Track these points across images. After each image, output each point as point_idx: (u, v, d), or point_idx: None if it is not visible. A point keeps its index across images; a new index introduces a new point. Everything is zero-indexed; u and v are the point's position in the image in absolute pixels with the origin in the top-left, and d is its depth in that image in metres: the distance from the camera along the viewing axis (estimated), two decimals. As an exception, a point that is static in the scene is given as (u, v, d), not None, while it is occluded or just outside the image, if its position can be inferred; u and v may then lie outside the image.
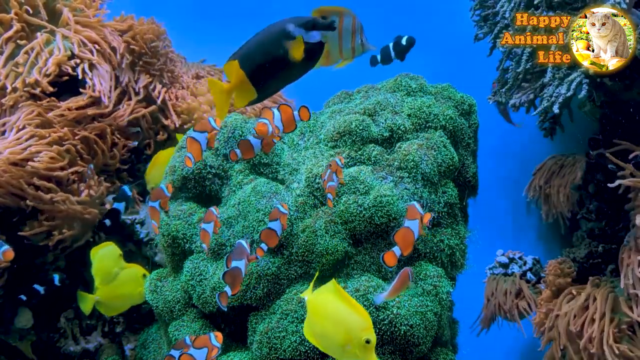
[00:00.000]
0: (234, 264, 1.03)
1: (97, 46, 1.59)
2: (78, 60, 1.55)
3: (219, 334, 1.04)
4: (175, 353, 1.06)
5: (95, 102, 1.58)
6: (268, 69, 1.02)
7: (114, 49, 1.62)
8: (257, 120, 1.14)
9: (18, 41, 1.56)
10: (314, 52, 1.03)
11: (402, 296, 1.14)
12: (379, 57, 1.53)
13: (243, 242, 1.05)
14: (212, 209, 1.14)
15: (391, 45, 1.52)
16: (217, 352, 1.03)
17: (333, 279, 0.98)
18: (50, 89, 1.53)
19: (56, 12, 1.63)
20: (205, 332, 1.20)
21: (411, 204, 1.04)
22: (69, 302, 1.57)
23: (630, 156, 1.32)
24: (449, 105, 1.38)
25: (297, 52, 1.02)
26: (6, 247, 1.18)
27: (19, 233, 1.42)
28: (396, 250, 0.99)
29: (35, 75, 1.50)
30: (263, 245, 1.09)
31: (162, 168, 1.39)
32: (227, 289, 1.02)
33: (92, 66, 1.57)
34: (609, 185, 1.31)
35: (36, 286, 1.42)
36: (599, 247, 1.48)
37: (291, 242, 1.18)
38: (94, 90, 1.54)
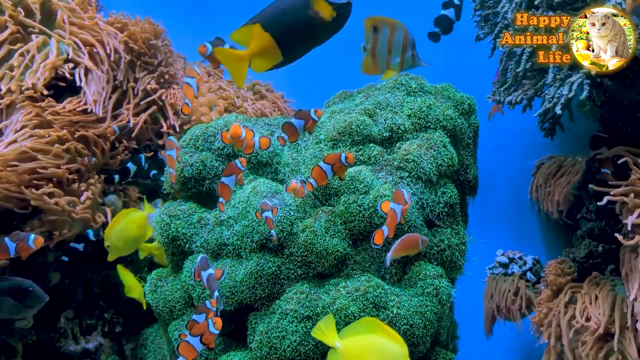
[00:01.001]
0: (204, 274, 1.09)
1: (94, 49, 1.58)
2: (72, 65, 1.55)
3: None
4: (198, 317, 1.09)
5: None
6: (295, 30, 1.00)
7: (111, 50, 1.61)
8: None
9: (11, 45, 1.56)
10: (342, 13, 1.02)
11: (402, 296, 1.14)
12: (439, 31, 1.50)
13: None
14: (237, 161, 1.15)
15: (444, 12, 1.49)
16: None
17: (368, 318, 1.02)
18: (46, 92, 1.53)
19: (52, 13, 1.63)
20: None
21: (400, 189, 1.09)
22: (69, 302, 1.57)
23: (620, 160, 1.32)
24: (449, 105, 1.38)
25: (325, 12, 1.01)
26: (34, 235, 1.19)
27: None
28: (385, 229, 1.07)
29: (28, 81, 1.50)
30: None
31: (122, 228, 1.41)
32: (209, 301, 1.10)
33: (87, 71, 1.57)
34: (598, 203, 1.32)
35: (74, 244, 1.42)
36: (599, 247, 1.48)
37: (291, 241, 1.18)
38: (87, 102, 1.54)
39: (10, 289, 1.15)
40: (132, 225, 1.40)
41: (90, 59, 1.58)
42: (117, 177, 1.55)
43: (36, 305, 1.24)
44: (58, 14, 1.62)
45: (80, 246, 1.45)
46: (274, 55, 1.02)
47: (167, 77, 1.73)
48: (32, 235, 1.19)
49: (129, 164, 1.56)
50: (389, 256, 1.12)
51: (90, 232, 1.47)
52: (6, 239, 1.18)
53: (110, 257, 1.43)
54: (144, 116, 1.64)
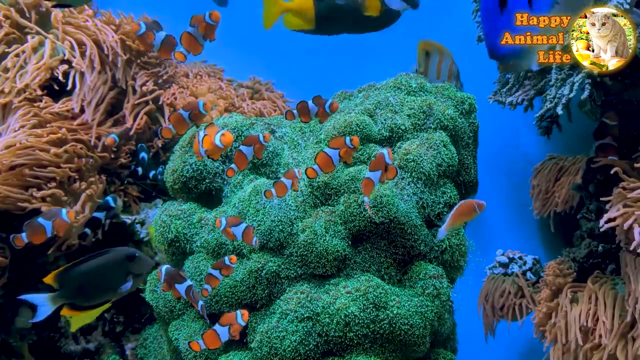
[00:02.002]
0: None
1: (88, 49, 1.57)
2: (66, 66, 1.55)
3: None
4: (214, 272, 1.11)
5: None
6: (337, 9, 1.02)
7: (108, 49, 1.60)
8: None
9: (6, 46, 1.56)
10: (388, 17, 1.03)
11: (402, 296, 1.14)
12: None
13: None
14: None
15: None
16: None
17: None
18: (40, 92, 1.52)
19: (48, 14, 1.63)
20: (205, 331, 1.21)
21: (381, 152, 1.08)
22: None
23: (612, 171, 1.32)
24: (449, 105, 1.38)
25: (373, 8, 1.02)
26: (65, 209, 1.20)
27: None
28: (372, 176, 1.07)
29: (18, 83, 1.50)
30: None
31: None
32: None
33: (81, 74, 1.56)
34: (599, 228, 1.32)
35: (96, 214, 1.41)
36: (599, 247, 1.48)
37: (291, 241, 1.18)
38: (83, 111, 1.54)
39: (118, 259, 1.14)
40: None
41: (88, 59, 1.58)
42: (88, 230, 1.50)
43: (144, 273, 1.22)
44: (52, 15, 1.61)
45: (102, 215, 1.43)
46: (307, 20, 1.04)
47: (165, 77, 1.73)
48: (64, 210, 1.18)
49: (96, 214, 1.51)
50: (444, 228, 1.09)
51: (110, 199, 1.45)
52: (40, 219, 1.16)
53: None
54: (142, 116, 1.64)
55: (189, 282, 1.11)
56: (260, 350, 1.12)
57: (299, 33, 1.46)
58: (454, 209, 1.10)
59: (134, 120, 1.62)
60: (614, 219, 1.24)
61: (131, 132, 1.62)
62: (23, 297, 1.15)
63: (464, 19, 1.68)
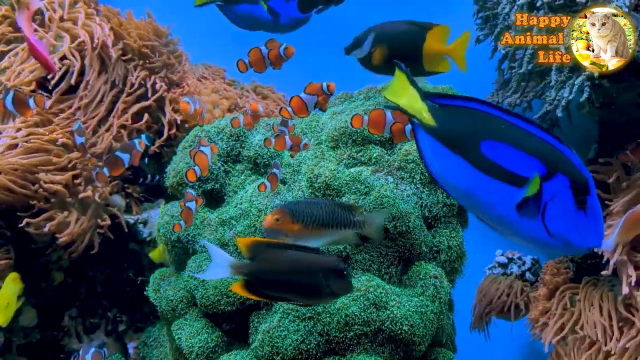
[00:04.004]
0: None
1: (86, 49, 1.57)
2: (64, 64, 1.55)
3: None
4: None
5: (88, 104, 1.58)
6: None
7: (101, 46, 1.59)
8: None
9: (6, 45, 1.56)
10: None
11: (402, 296, 1.15)
12: None
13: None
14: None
15: None
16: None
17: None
18: (30, 88, 1.52)
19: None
20: (208, 330, 1.22)
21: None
22: (72, 300, 1.58)
23: (610, 180, 1.31)
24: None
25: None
26: (137, 139, 1.20)
27: (25, 223, 1.42)
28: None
29: (6, 82, 1.50)
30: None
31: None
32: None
33: (80, 73, 1.56)
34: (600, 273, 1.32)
35: (118, 153, 1.32)
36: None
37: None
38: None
39: (328, 267, 0.95)
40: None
41: (88, 58, 1.57)
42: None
43: (342, 294, 1.04)
44: (46, 14, 1.61)
45: (126, 157, 1.41)
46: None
47: (166, 80, 1.72)
48: (136, 140, 1.20)
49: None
50: (614, 239, 1.02)
51: (141, 139, 1.32)
52: (118, 152, 1.20)
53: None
54: (145, 118, 1.64)
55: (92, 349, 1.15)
56: (262, 348, 1.13)
57: (299, 34, 1.47)
58: (625, 217, 1.00)
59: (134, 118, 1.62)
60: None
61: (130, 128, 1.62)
62: (206, 244, 1.01)
63: (464, 20, 1.69)
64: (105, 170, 1.19)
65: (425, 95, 0.84)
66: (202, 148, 1.17)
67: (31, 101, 1.27)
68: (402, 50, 1.10)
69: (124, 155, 1.20)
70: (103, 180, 1.23)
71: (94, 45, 1.57)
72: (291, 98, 1.12)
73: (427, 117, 0.82)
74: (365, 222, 1.00)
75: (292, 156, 1.29)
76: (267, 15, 1.28)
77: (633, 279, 1.20)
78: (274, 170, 1.16)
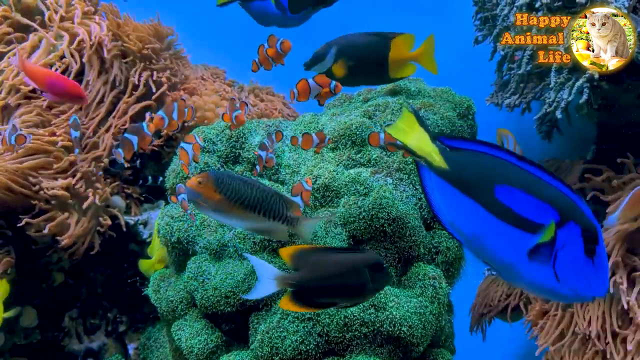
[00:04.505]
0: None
1: (87, 49, 1.57)
2: (63, 63, 1.55)
3: None
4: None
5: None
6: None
7: (100, 46, 1.59)
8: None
9: (6, 46, 1.57)
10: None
11: (401, 297, 1.15)
12: None
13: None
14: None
15: None
16: None
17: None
18: (27, 88, 1.53)
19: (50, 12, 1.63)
20: (207, 331, 1.22)
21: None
22: (73, 301, 1.58)
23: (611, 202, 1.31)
24: (448, 108, 1.39)
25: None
26: (145, 123, 1.19)
27: (25, 223, 1.43)
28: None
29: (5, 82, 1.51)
30: None
31: None
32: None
33: (79, 72, 1.56)
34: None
35: (128, 135, 1.27)
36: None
37: (292, 243, 1.19)
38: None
39: (371, 262, 0.93)
40: None
41: (86, 57, 1.57)
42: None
43: (384, 287, 1.03)
44: (46, 14, 1.62)
45: (134, 139, 1.40)
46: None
47: (165, 81, 1.72)
48: (144, 123, 1.19)
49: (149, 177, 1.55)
50: (617, 216, 1.01)
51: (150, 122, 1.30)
52: (127, 135, 1.19)
53: None
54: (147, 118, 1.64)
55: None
56: (261, 349, 1.14)
57: (299, 36, 1.48)
58: (632, 193, 1.01)
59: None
60: None
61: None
62: (249, 256, 0.95)
63: (462, 21, 1.69)
64: (120, 150, 1.18)
65: (435, 137, 0.84)
66: (182, 144, 1.17)
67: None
68: (367, 61, 1.13)
69: (132, 137, 1.18)
70: (128, 151, 1.19)
71: (91, 43, 1.57)
72: (299, 80, 1.14)
73: (438, 159, 0.82)
74: (298, 222, 0.98)
75: (316, 152, 1.29)
76: (276, 10, 1.30)
77: (625, 286, 1.20)
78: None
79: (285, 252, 0.91)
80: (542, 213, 0.76)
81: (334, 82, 1.15)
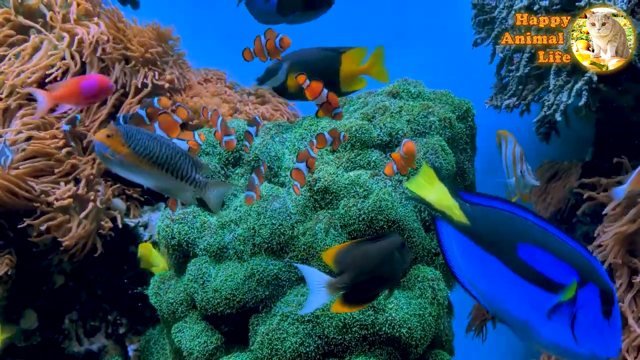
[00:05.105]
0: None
1: (86, 49, 1.58)
2: (64, 64, 1.55)
3: None
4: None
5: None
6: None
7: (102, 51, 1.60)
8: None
9: (8, 48, 1.57)
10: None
11: (400, 299, 1.16)
12: None
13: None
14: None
15: None
16: None
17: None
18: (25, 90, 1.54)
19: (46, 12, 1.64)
20: (207, 333, 1.23)
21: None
22: (73, 303, 1.59)
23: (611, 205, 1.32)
24: (447, 110, 1.39)
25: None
26: (156, 97, 1.18)
27: (26, 225, 1.43)
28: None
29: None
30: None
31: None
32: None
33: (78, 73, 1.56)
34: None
35: (139, 110, 1.26)
36: (593, 251, 1.49)
37: (292, 244, 1.20)
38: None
39: (399, 245, 0.95)
40: None
41: (86, 57, 1.58)
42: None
43: (409, 265, 1.05)
44: (47, 15, 1.62)
45: (143, 112, 1.38)
46: None
47: (167, 86, 1.73)
48: (155, 98, 1.17)
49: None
50: (625, 189, 1.03)
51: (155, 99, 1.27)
52: (139, 110, 1.17)
53: None
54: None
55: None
56: (261, 351, 1.14)
57: (299, 38, 1.49)
58: (639, 168, 1.02)
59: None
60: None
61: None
62: (299, 266, 0.96)
63: (461, 24, 1.70)
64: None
65: (455, 192, 0.84)
66: (175, 140, 1.13)
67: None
68: (319, 76, 1.13)
69: (142, 111, 1.16)
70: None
71: (90, 42, 1.57)
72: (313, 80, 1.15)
73: (458, 214, 0.82)
74: (207, 185, 0.97)
75: (333, 150, 1.28)
76: (273, 10, 1.31)
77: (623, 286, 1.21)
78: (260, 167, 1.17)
79: (328, 257, 0.92)
80: (563, 273, 0.77)
81: (341, 108, 1.15)
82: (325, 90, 1.11)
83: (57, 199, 1.42)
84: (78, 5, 1.66)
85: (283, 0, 1.25)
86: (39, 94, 1.22)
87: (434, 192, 0.84)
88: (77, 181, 1.51)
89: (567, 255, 0.77)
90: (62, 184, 1.47)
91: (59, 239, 1.44)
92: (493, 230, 0.80)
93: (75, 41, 1.57)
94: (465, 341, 1.51)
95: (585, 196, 1.40)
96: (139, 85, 1.62)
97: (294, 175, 1.12)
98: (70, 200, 1.44)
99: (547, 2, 1.24)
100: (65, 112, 1.53)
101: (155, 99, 1.18)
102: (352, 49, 1.17)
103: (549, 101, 1.32)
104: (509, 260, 0.79)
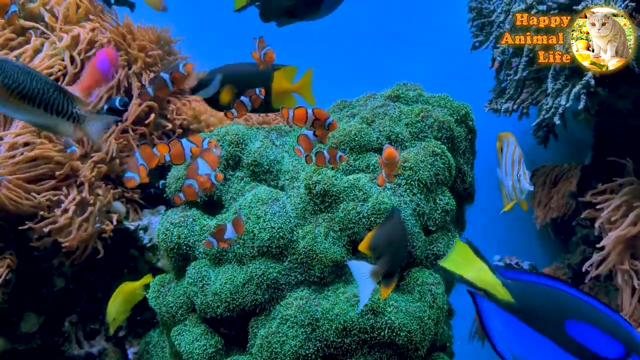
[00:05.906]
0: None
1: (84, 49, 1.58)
2: (63, 69, 1.55)
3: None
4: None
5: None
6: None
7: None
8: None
9: (8, 51, 1.57)
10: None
11: (400, 302, 1.16)
12: None
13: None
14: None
15: None
16: None
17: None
18: None
19: (52, 15, 1.64)
20: (207, 336, 1.23)
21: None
22: (73, 306, 1.59)
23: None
24: (446, 114, 1.40)
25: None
26: (182, 61, 1.16)
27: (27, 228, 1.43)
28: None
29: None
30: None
31: (123, 302, 1.42)
32: None
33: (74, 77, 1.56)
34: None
35: (161, 73, 1.21)
36: (593, 253, 1.50)
37: (291, 248, 1.20)
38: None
39: (398, 216, 1.01)
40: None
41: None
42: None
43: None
44: (46, 16, 1.63)
45: (167, 76, 1.32)
46: None
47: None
48: (182, 62, 1.13)
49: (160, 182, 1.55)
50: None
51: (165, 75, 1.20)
52: (162, 74, 1.12)
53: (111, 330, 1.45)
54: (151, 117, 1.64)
55: None
56: (260, 354, 1.14)
57: (299, 40, 1.49)
58: None
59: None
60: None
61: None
62: (348, 262, 0.98)
63: (460, 28, 1.70)
64: (149, 90, 1.10)
65: (494, 268, 0.83)
66: (183, 140, 1.10)
67: None
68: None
69: (165, 74, 1.10)
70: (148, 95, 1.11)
71: (88, 40, 1.58)
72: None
73: (502, 291, 0.81)
74: (85, 119, 0.94)
75: (333, 168, 1.29)
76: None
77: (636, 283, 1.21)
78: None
79: (364, 247, 0.95)
80: (609, 347, 0.77)
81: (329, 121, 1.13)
82: (310, 110, 1.10)
83: (62, 212, 1.43)
84: (78, 7, 1.67)
85: (265, 7, 1.25)
86: (73, 91, 1.23)
87: (473, 269, 0.83)
88: (77, 185, 1.52)
89: (611, 328, 0.78)
90: (64, 188, 1.47)
91: (60, 240, 1.45)
92: (539, 308, 0.80)
93: (70, 37, 1.58)
94: (465, 345, 1.51)
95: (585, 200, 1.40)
96: (140, 87, 1.63)
97: (300, 140, 1.10)
98: (75, 207, 1.45)
99: (545, 6, 1.24)
100: (100, 98, 1.54)
101: (182, 63, 1.13)
102: (284, 66, 1.18)
103: (547, 105, 1.33)
104: (557, 337, 0.79)
